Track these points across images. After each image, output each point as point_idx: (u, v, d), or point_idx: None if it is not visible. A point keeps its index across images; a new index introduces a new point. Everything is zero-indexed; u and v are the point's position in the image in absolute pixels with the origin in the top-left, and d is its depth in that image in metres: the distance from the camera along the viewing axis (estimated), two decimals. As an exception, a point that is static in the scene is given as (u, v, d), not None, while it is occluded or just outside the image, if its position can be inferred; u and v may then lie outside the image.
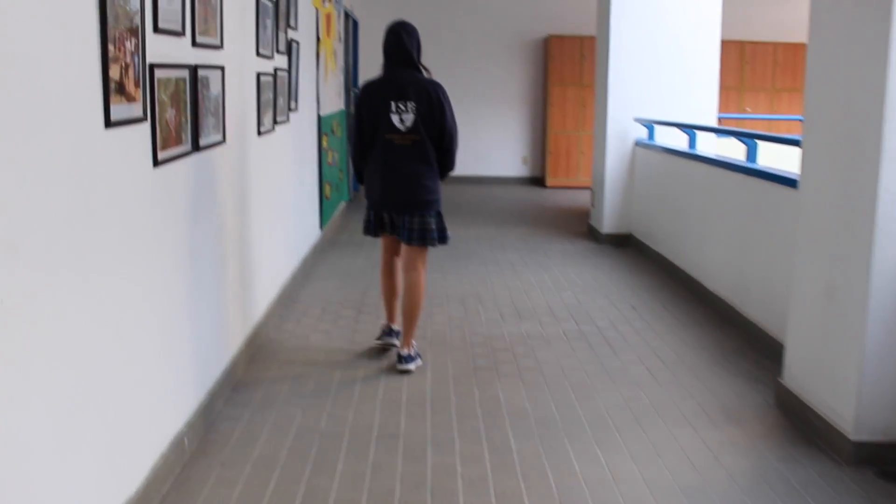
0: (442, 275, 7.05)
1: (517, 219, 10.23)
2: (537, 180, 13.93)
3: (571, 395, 4.39)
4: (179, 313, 3.46)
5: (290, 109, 6.26)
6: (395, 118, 4.59)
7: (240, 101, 4.63)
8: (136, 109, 2.85)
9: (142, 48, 2.88)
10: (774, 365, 4.76)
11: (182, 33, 3.38)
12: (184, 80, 3.41)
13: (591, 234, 9.02)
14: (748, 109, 13.70)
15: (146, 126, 2.99)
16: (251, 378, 4.53)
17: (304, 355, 4.97)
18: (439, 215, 4.75)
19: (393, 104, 4.58)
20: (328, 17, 8.43)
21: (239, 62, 4.60)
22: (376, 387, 4.45)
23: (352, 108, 10.38)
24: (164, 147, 3.17)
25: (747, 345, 5.28)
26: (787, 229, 4.88)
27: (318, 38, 7.81)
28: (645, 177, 8.30)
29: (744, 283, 5.65)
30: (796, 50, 13.67)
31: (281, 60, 5.86)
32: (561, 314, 5.94)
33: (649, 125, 8.28)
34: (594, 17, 13.59)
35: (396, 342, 4.95)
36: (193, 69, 3.55)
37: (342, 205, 9.97)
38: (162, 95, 3.11)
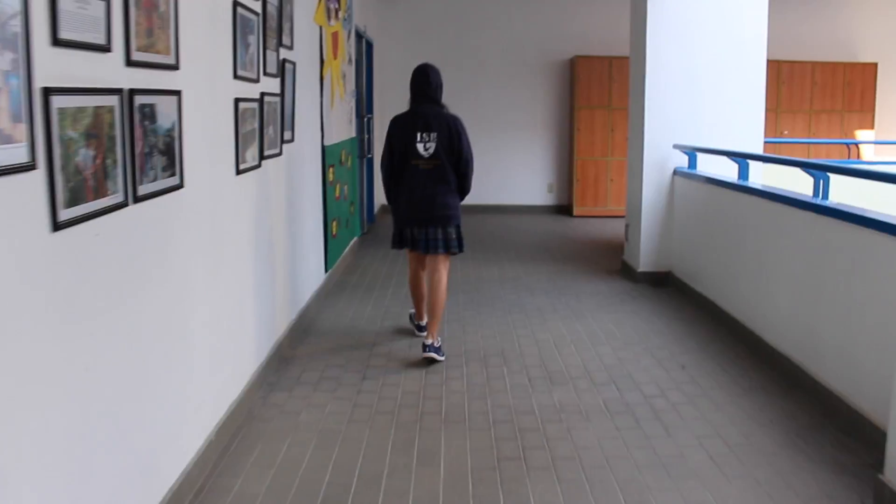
0: (461, 326, 6.20)
1: (544, 254, 9.35)
2: (564, 209, 13.06)
3: (620, 497, 3.50)
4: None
5: (283, 141, 5.44)
6: (420, 146, 5.38)
7: (209, 133, 3.81)
8: (16, 153, 2.02)
9: (26, 66, 2.05)
10: (862, 447, 3.87)
11: (107, 48, 2.56)
12: (110, 109, 2.59)
13: (626, 272, 8.14)
14: (786, 133, 12.78)
15: (37, 175, 2.16)
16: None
17: (294, 437, 4.12)
18: (458, 228, 5.54)
19: (418, 134, 5.38)
20: (335, 36, 7.64)
21: (207, 86, 3.79)
22: (377, 492, 3.59)
23: (365, 136, 9.63)
24: (74, 202, 2.34)
25: (824, 418, 4.38)
26: (881, 284, 3.99)
27: (321, 60, 7.01)
28: (686, 209, 7.42)
29: (815, 342, 4.75)
30: (835, 69, 12.77)
31: (270, 84, 5.06)
32: (600, 377, 5.06)
33: (691, 152, 7.41)
34: (624, 36, 12.77)
35: (434, 356, 5.31)
36: (128, 95, 2.73)
37: (354, 241, 9.15)
38: (67, 131, 2.29)
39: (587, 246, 10.01)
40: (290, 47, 5.64)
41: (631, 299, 7.15)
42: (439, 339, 5.48)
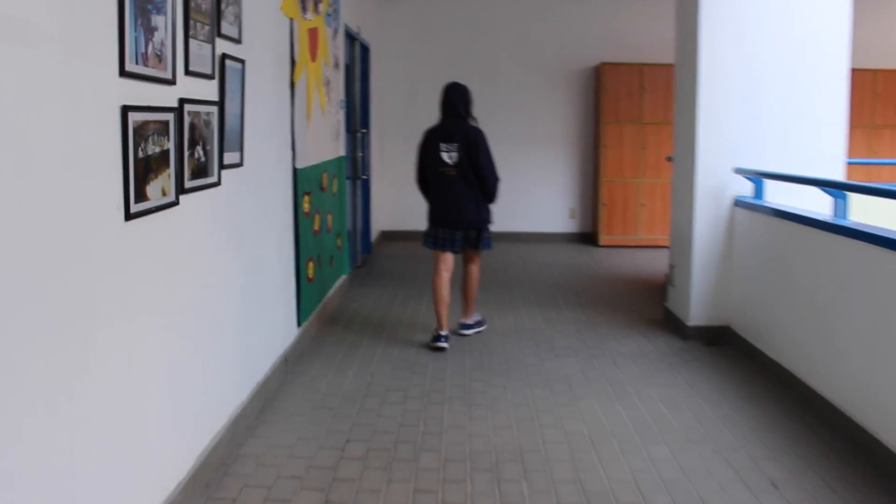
0: (466, 409, 4.72)
1: (567, 295, 7.87)
2: (587, 237, 11.57)
3: None
4: None
5: (223, 165, 3.98)
6: (444, 155, 5.98)
7: (56, 162, 2.36)
8: None
9: None
10: None
11: None
12: None
13: (672, 325, 6.65)
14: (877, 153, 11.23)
15: None
16: None
17: None
18: (486, 229, 6.15)
19: (441, 144, 6.00)
20: (313, 32, 6.20)
21: (57, 87, 2.33)
22: None
23: (359, 154, 8.20)
24: None
25: None
26: None
27: (292, 61, 5.57)
28: (749, 248, 5.94)
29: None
30: (904, 78, 11.26)
31: (198, 87, 3.61)
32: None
33: (756, 179, 5.93)
34: (657, 40, 11.31)
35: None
36: None
37: (342, 279, 7.68)
38: None
39: (618, 285, 8.51)
40: (237, 40, 4.19)
41: (682, 364, 5.65)
42: (475, 316, 6.45)
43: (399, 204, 11.41)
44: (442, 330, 5.99)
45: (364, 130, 9.69)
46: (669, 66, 10.62)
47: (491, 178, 6.03)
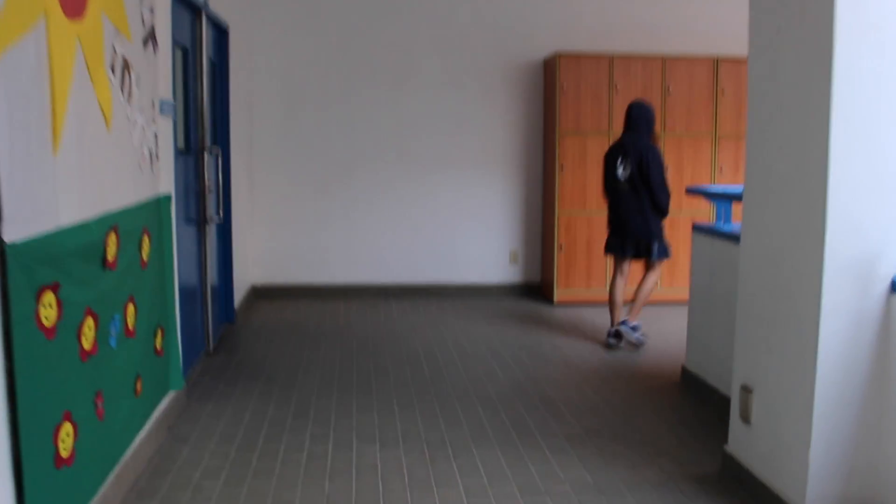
0: None
1: (542, 417, 4.85)
2: (535, 290, 8.59)
3: None
4: None
5: None
6: (619, 171, 6.36)
7: None
8: None
9: None
10: None
11: None
12: None
13: (749, 490, 3.70)
14: None
15: None
16: None
17: None
18: (649, 243, 6.43)
19: (618, 160, 6.38)
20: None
21: None
22: None
23: (214, 184, 5.89)
24: None
25: None
26: None
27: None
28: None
29: None
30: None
31: None
32: None
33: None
34: (633, 22, 8.17)
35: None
36: None
37: (162, 407, 4.49)
38: None
39: (611, 383, 5.55)
40: None
41: None
42: (638, 322, 6.59)
43: (277, 250, 8.25)
44: (613, 327, 6.48)
45: (220, 147, 6.50)
46: (650, 57, 7.87)
47: (661, 194, 6.29)
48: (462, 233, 8.44)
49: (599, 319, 7.43)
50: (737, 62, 8.05)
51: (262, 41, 8.07)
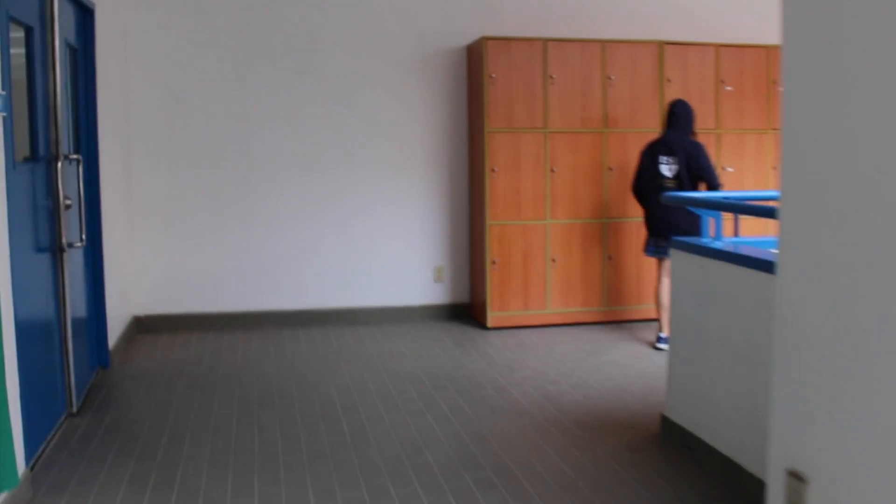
0: None
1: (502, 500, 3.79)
2: (464, 312, 7.52)
3: None
4: None
5: None
6: (664, 168, 6.27)
7: None
8: None
9: None
10: None
11: None
12: None
13: None
14: None
15: None
16: None
17: None
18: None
19: (663, 157, 6.29)
20: None
21: None
22: None
23: (72, 195, 4.76)
24: None
25: None
26: None
27: None
28: None
29: None
30: None
31: None
32: None
33: None
34: (572, 2, 7.70)
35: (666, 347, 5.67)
36: None
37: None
38: None
39: (574, 442, 4.52)
40: None
41: None
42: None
43: (164, 274, 6.99)
44: (661, 332, 6.36)
45: (77, 156, 5.23)
46: (588, 41, 6.93)
47: (714, 185, 6.26)
48: (377, 248, 7.30)
49: (543, 347, 6.43)
50: (683, 47, 7.16)
51: (140, 24, 6.78)
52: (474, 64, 7.06)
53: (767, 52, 7.30)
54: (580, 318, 7.10)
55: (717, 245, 4.02)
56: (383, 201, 7.29)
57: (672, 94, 7.05)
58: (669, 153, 6.28)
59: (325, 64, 7.08)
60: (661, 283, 6.36)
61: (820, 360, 2.67)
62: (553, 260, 7.01)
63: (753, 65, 7.32)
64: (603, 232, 7.11)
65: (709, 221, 4.23)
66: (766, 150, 7.40)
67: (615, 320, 7.16)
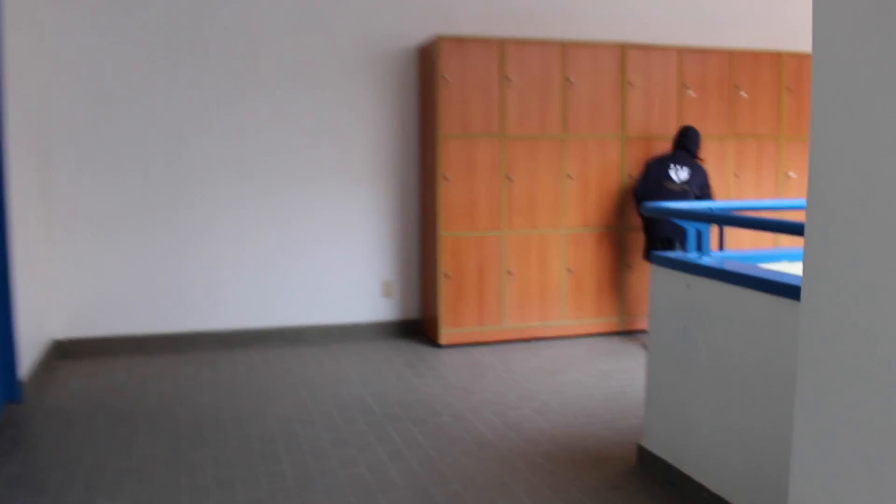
0: None
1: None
2: (415, 329, 7.04)
3: None
4: None
5: None
6: (672, 173, 6.45)
7: None
8: None
9: None
10: None
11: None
12: None
13: None
14: None
15: None
16: None
17: None
18: None
19: (673, 165, 6.48)
20: None
21: None
22: None
23: None
24: None
25: None
26: None
27: None
28: None
29: None
30: None
31: None
32: None
33: None
34: (530, 1, 7.03)
35: None
36: None
37: None
38: None
39: (544, 479, 4.09)
40: None
41: None
42: None
43: (86, 293, 6.38)
44: None
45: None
46: (547, 42, 6.49)
47: (711, 195, 6.53)
48: (322, 262, 6.79)
49: (501, 366, 5.98)
50: (645, 49, 6.80)
51: (58, 18, 6.19)
52: (427, 65, 6.59)
53: (731, 56, 7.02)
54: (538, 332, 6.69)
55: (706, 262, 3.60)
56: (328, 212, 6.78)
57: (634, 98, 6.71)
58: (679, 163, 6.47)
59: (264, 63, 6.56)
60: None
61: (859, 401, 2.24)
62: (509, 272, 6.58)
63: (717, 69, 7.01)
64: (562, 243, 6.69)
65: (695, 234, 3.81)
66: (729, 157, 7.10)
67: (575, 335, 6.76)
